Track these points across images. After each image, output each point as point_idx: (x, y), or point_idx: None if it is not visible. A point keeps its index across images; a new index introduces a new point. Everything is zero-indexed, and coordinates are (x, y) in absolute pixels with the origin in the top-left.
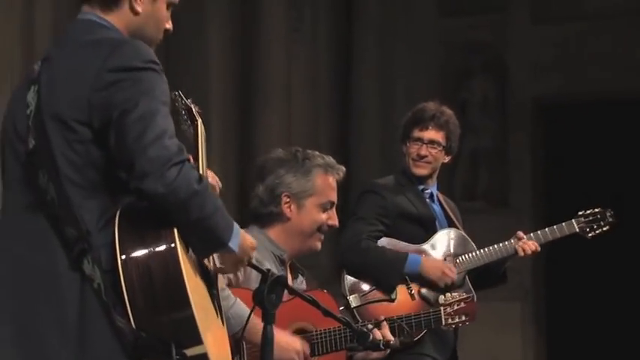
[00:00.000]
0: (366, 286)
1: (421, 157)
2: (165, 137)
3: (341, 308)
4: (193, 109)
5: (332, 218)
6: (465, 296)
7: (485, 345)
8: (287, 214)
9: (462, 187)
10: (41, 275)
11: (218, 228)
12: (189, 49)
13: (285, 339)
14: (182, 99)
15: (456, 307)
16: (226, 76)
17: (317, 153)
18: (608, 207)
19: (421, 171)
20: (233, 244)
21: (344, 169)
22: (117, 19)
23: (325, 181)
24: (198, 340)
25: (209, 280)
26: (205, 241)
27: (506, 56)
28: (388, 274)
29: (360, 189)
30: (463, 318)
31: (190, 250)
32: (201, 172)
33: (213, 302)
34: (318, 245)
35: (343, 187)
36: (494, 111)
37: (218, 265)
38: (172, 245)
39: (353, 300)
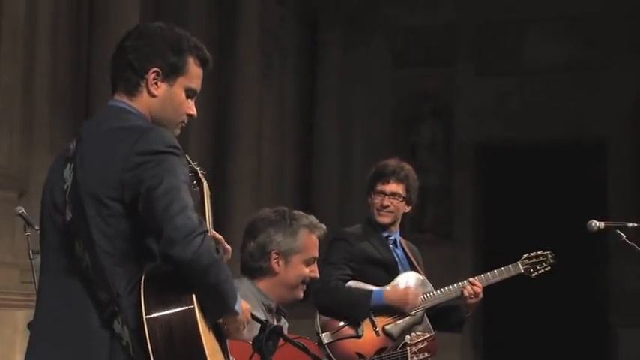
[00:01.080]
0: (336, 324)
1: (384, 208)
2: (188, 210)
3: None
4: (199, 172)
5: (314, 271)
6: (428, 335)
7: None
8: (275, 269)
9: (411, 221)
10: (75, 331)
11: (228, 293)
12: None
13: None
14: (189, 163)
15: (420, 346)
16: (204, 119)
17: (302, 213)
18: (539, 240)
19: (384, 220)
20: (237, 308)
21: (325, 227)
22: (140, 104)
23: (310, 239)
24: None
25: (221, 335)
26: (217, 304)
27: (453, 104)
28: (356, 309)
29: (332, 236)
30: (426, 355)
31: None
32: (208, 228)
33: (224, 354)
34: (301, 295)
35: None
36: (441, 153)
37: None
38: (191, 306)
39: (325, 337)
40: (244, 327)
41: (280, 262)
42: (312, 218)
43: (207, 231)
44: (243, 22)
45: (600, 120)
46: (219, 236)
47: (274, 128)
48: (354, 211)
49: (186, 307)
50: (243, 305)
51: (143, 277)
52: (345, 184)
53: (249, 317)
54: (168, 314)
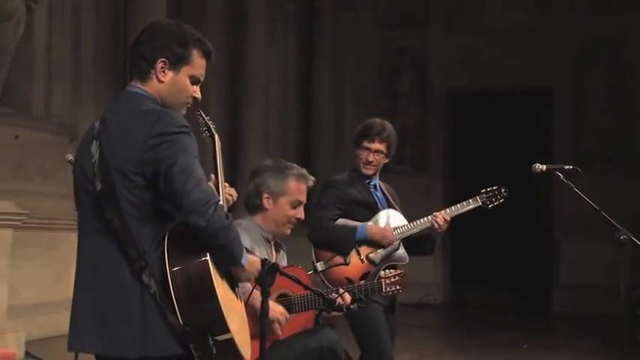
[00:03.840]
0: (328, 255)
1: (369, 162)
2: (202, 183)
3: (310, 272)
4: (211, 127)
5: (299, 213)
6: (399, 272)
7: (403, 267)
8: (266, 205)
9: (394, 155)
10: (111, 282)
11: (235, 251)
12: None
13: (272, 305)
14: (203, 118)
15: (392, 280)
16: (220, 80)
17: (295, 165)
18: (497, 171)
19: (369, 172)
20: (244, 261)
21: (313, 179)
22: (151, 88)
23: (296, 186)
24: (226, 329)
25: (232, 281)
26: (227, 260)
27: (426, 59)
28: (344, 243)
29: (322, 183)
30: (398, 287)
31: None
32: (219, 177)
33: (235, 293)
34: (288, 231)
35: (308, 162)
36: (417, 99)
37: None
38: (205, 259)
39: (319, 265)
40: (254, 276)
41: (270, 201)
42: (303, 170)
43: (218, 201)
44: None
45: (548, 71)
46: (232, 190)
47: (279, 84)
48: (346, 152)
49: (202, 260)
50: (250, 259)
51: (166, 236)
52: (339, 127)
53: (259, 267)
54: (187, 266)
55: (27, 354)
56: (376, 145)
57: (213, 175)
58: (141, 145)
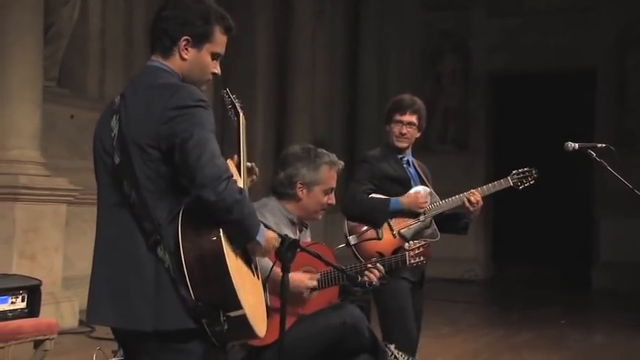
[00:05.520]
0: (360, 229)
1: (402, 135)
2: (216, 158)
3: (342, 246)
4: (237, 105)
5: (331, 199)
6: (423, 243)
7: (446, 244)
8: (300, 196)
9: (437, 135)
10: (127, 255)
11: (250, 227)
12: (243, 30)
13: (298, 276)
14: (229, 96)
15: (416, 251)
16: (268, 59)
17: (324, 151)
18: (536, 155)
19: (402, 144)
20: (259, 238)
21: (342, 163)
22: (173, 64)
23: (329, 174)
24: (238, 306)
25: (248, 257)
26: (241, 235)
27: (469, 41)
28: (378, 214)
29: (357, 160)
30: (422, 259)
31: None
32: (242, 157)
33: (251, 269)
34: (319, 217)
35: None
36: (460, 80)
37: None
38: (218, 235)
39: (352, 239)
40: (270, 253)
41: (304, 191)
42: (333, 156)
43: (231, 176)
44: None
45: (590, 52)
46: (255, 168)
47: (325, 64)
48: None
49: (215, 236)
50: (268, 235)
51: (181, 211)
52: (383, 108)
53: (276, 244)
54: (201, 241)
55: (81, 322)
56: (408, 117)
57: (235, 156)
58: (157, 118)
